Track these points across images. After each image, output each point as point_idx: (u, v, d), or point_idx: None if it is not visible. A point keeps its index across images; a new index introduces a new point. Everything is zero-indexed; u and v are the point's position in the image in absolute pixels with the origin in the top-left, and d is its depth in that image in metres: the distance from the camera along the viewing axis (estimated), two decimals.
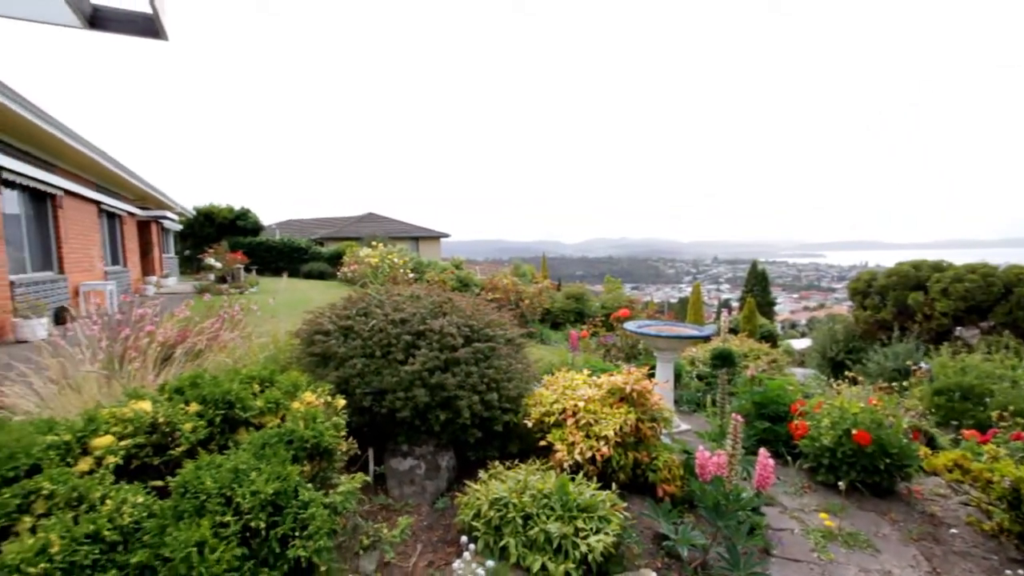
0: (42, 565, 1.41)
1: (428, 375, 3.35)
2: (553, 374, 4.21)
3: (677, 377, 6.43)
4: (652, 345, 5.38)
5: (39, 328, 6.83)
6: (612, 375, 3.76)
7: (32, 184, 7.91)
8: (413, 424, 3.40)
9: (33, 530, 1.56)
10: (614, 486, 3.03)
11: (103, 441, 1.97)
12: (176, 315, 4.62)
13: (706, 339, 7.79)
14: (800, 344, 19.84)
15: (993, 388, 6.01)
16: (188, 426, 2.16)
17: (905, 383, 6.51)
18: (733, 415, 2.89)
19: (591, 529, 2.60)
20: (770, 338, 15.05)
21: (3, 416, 2.64)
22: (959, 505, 3.81)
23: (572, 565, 2.46)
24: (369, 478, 3.21)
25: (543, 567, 2.47)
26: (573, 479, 2.95)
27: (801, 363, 14.61)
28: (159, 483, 1.96)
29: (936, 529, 3.47)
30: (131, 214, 14.04)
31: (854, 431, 3.76)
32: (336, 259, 19.98)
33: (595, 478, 3.09)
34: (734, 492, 2.74)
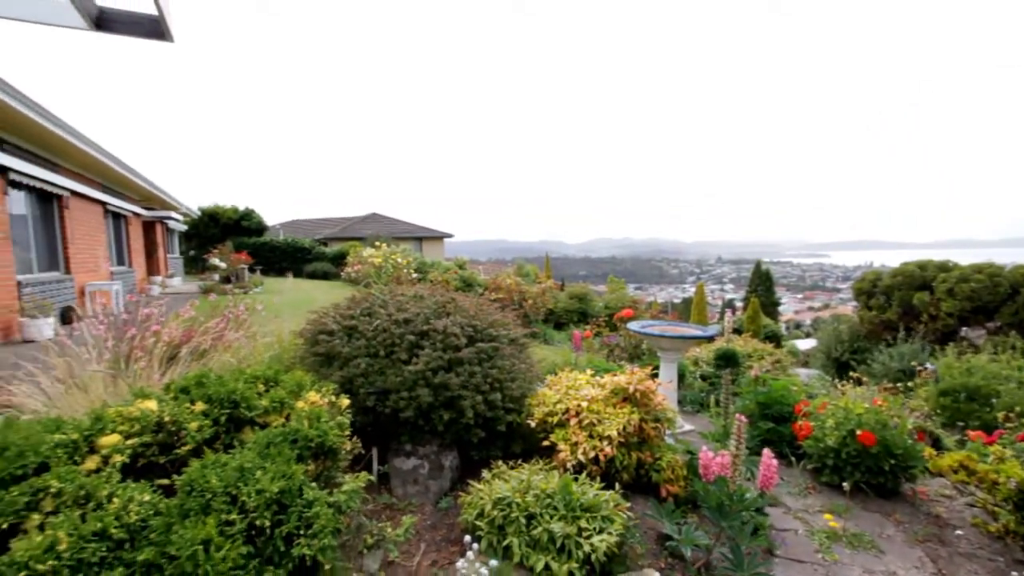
0: (50, 562, 1.42)
1: (432, 375, 3.36)
2: (556, 374, 4.21)
3: (681, 377, 6.43)
4: (656, 345, 5.38)
5: (46, 328, 6.87)
6: (615, 375, 3.76)
7: (38, 185, 7.97)
8: (417, 424, 3.41)
9: (41, 527, 1.57)
10: (617, 486, 3.03)
11: (110, 440, 1.98)
12: (181, 315, 4.64)
13: (710, 339, 7.78)
14: (805, 344, 19.77)
15: (999, 389, 5.97)
16: (194, 425, 2.17)
17: (910, 384, 6.47)
18: (737, 415, 2.89)
19: (594, 529, 2.60)
20: (774, 338, 14.99)
21: (11, 415, 2.67)
22: (965, 506, 3.79)
23: (575, 565, 2.46)
24: (373, 477, 3.22)
25: (546, 567, 2.47)
26: (576, 479, 2.96)
27: (805, 363, 14.56)
28: (165, 482, 1.98)
29: (941, 530, 3.45)
30: (136, 214, 14.13)
31: (858, 432, 3.75)
32: (340, 259, 20.05)
33: (598, 478, 3.10)
34: (738, 492, 2.74)
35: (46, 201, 8.74)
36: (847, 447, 3.83)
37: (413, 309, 3.81)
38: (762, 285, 24.09)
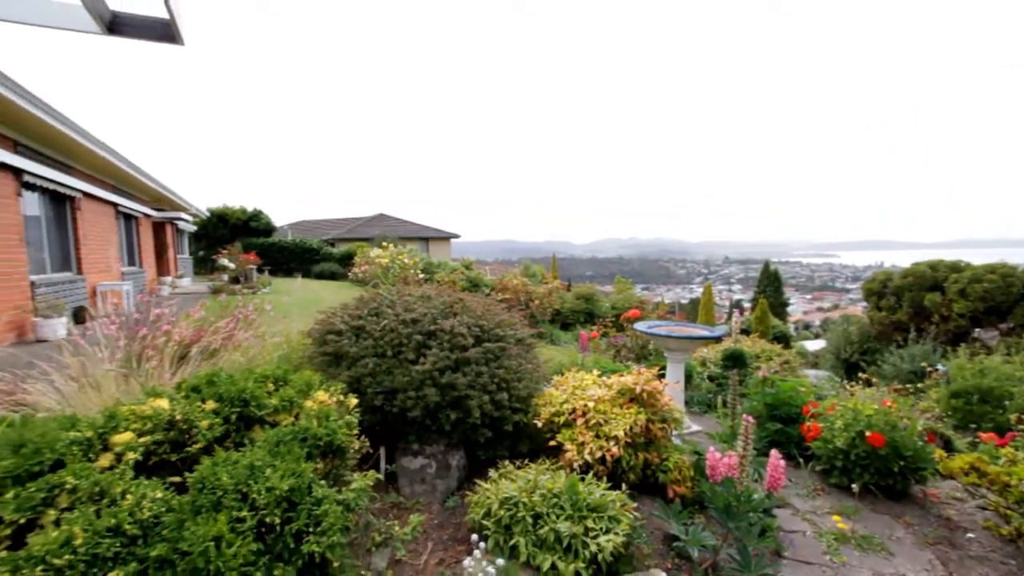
0: (66, 557, 1.45)
1: (439, 375, 3.38)
2: (563, 374, 4.22)
3: (688, 378, 6.41)
4: (663, 346, 5.37)
5: (59, 327, 6.97)
6: (622, 375, 3.76)
7: (52, 187, 8.08)
8: (424, 423, 3.43)
9: (57, 523, 1.60)
10: (624, 486, 3.03)
11: (123, 438, 2.01)
12: (191, 315, 4.70)
13: (717, 340, 7.74)
14: (814, 345, 19.63)
15: (1013, 391, 5.90)
16: (205, 423, 2.20)
17: (920, 385, 6.41)
18: (744, 416, 2.88)
19: (601, 529, 2.61)
20: (783, 339, 14.89)
21: (27, 413, 2.71)
22: (976, 509, 3.76)
23: (582, 564, 2.47)
24: (381, 476, 3.24)
25: (553, 566, 2.48)
26: (583, 479, 2.96)
27: (815, 364, 14.45)
28: (177, 479, 2.00)
29: (952, 533, 3.42)
30: (147, 215, 14.29)
31: (868, 433, 3.73)
32: (347, 260, 20.15)
33: (605, 478, 3.10)
34: (745, 493, 2.73)
35: (59, 202, 8.86)
36: (856, 448, 3.80)
37: (420, 309, 3.84)
38: (771, 285, 23.94)
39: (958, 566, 3.04)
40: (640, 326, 5.56)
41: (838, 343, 13.56)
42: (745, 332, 12.23)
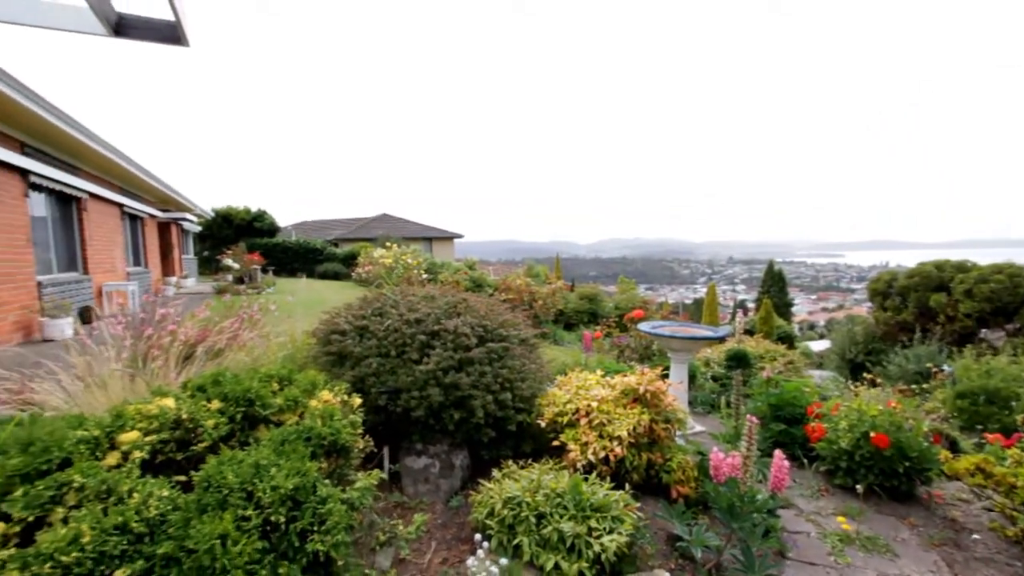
0: (74, 554, 1.46)
1: (442, 375, 3.38)
2: (566, 374, 4.22)
3: (691, 378, 6.40)
4: (666, 346, 5.36)
5: (65, 327, 7.02)
6: (626, 376, 3.76)
7: (58, 187, 8.14)
8: (427, 423, 3.44)
9: (65, 521, 1.62)
10: (627, 486, 3.03)
11: (130, 436, 2.03)
12: (197, 315, 4.72)
13: (721, 340, 7.73)
14: (818, 346, 19.55)
15: (1019, 392, 5.85)
16: (210, 423, 2.22)
17: (925, 386, 6.37)
18: (748, 416, 2.88)
19: (604, 529, 2.61)
20: (787, 339, 14.84)
21: (35, 412, 2.74)
22: (982, 510, 3.74)
23: (585, 564, 2.47)
24: (385, 476, 3.26)
25: (556, 566, 2.48)
26: (586, 479, 2.96)
27: (819, 365, 14.40)
28: (182, 478, 2.02)
29: (957, 534, 3.40)
30: (152, 216, 14.37)
31: (872, 434, 3.71)
32: (351, 260, 20.21)
33: (608, 478, 3.10)
34: (749, 494, 2.73)
35: (65, 203, 8.92)
36: (861, 449, 3.78)
37: (424, 309, 3.85)
38: (775, 285, 23.86)
39: (963, 567, 3.03)
40: (644, 326, 5.56)
41: (843, 343, 13.50)
42: (749, 332, 12.19)
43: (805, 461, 4.30)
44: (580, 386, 3.83)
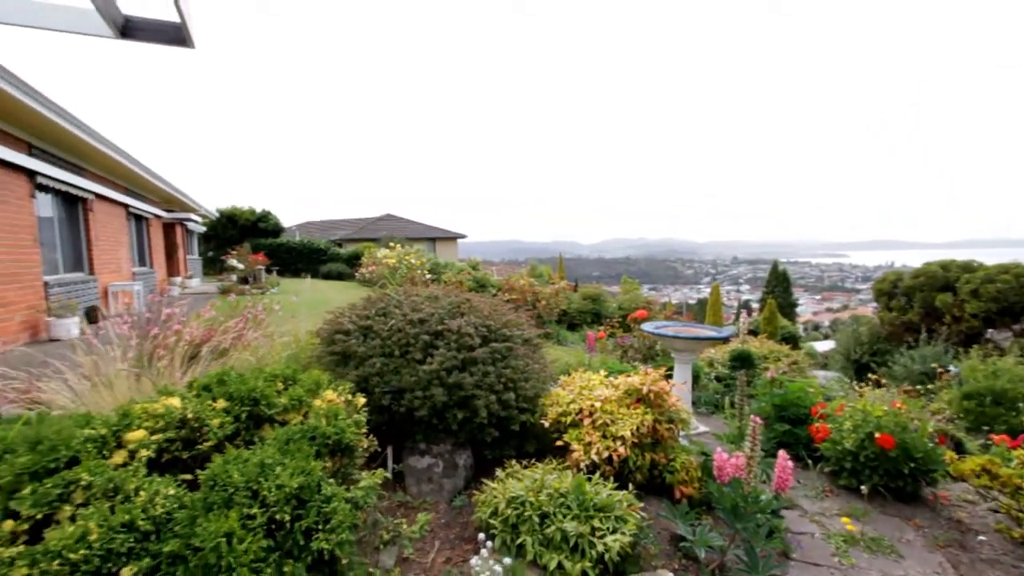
0: (82, 551, 1.48)
1: (446, 374, 3.39)
2: (570, 375, 4.22)
3: (695, 379, 6.39)
4: (670, 346, 5.35)
5: (72, 327, 7.07)
6: (629, 376, 3.75)
7: (64, 188, 8.20)
8: (431, 423, 3.45)
9: (73, 518, 1.63)
10: (631, 487, 3.03)
11: (136, 435, 2.05)
12: (202, 315, 4.75)
13: (725, 340, 7.71)
14: (823, 346, 19.47)
15: None
16: (216, 422, 2.23)
17: (930, 386, 6.34)
18: (752, 417, 2.87)
19: (608, 529, 2.61)
20: (792, 340, 14.78)
21: (42, 411, 2.76)
22: (988, 512, 3.72)
23: (588, 564, 2.47)
24: (388, 475, 3.27)
25: (559, 565, 2.48)
26: (590, 479, 2.96)
27: (824, 366, 14.33)
28: (188, 476, 2.03)
29: (963, 536, 3.38)
30: (157, 216, 14.45)
31: (877, 434, 3.70)
32: (354, 260, 20.26)
33: (612, 478, 3.10)
34: (753, 494, 2.72)
35: (72, 204, 8.98)
36: (865, 450, 3.77)
37: (428, 309, 3.86)
38: (779, 286, 23.76)
39: (969, 569, 3.01)
40: (647, 327, 5.55)
41: (848, 344, 13.45)
42: (753, 333, 12.16)
43: (809, 462, 4.29)
44: (583, 386, 3.83)
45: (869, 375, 6.28)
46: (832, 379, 9.32)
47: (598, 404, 3.49)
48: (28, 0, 3.07)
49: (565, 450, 3.39)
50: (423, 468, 3.42)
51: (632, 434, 3.27)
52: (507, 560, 2.38)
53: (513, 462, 3.32)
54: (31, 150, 7.46)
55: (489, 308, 4.13)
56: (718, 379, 7.09)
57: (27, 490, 1.68)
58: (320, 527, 1.82)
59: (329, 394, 2.71)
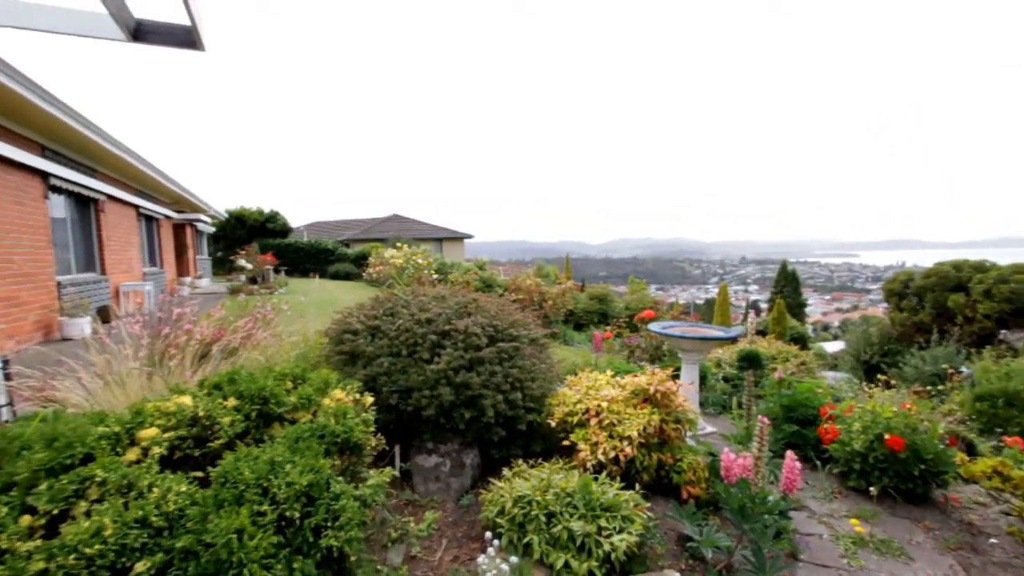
0: (97, 546, 1.50)
1: (453, 374, 3.41)
2: (576, 374, 4.22)
3: (703, 379, 6.36)
4: (677, 346, 5.34)
5: (84, 326, 7.17)
6: (636, 376, 3.75)
7: (77, 189, 8.32)
8: (438, 422, 3.47)
9: (88, 514, 1.66)
10: (637, 487, 3.03)
11: (149, 433, 2.08)
12: (212, 314, 4.80)
13: (732, 341, 7.68)
14: (833, 347, 19.29)
15: None
16: (226, 420, 2.26)
17: (941, 387, 6.27)
18: (759, 417, 2.86)
19: (614, 528, 2.61)
20: (801, 340, 14.67)
21: (58, 408, 2.80)
22: (1000, 514, 3.67)
23: (595, 563, 2.48)
24: (396, 473, 3.29)
25: (566, 564, 2.49)
26: (596, 479, 2.97)
27: (834, 366, 14.21)
28: (199, 474, 2.06)
29: (974, 538, 3.35)
30: (167, 217, 14.60)
31: (887, 436, 3.67)
32: (362, 260, 20.36)
33: (618, 478, 3.10)
34: (760, 495, 2.71)
35: (84, 205, 9.11)
36: (875, 451, 3.74)
37: (435, 309, 3.88)
38: (788, 286, 23.58)
39: (980, 572, 2.98)
40: (654, 327, 5.54)
41: (857, 345, 13.32)
42: (761, 333, 12.09)
43: (818, 463, 4.26)
44: (590, 386, 3.84)
45: (879, 376, 6.22)
46: (841, 380, 9.24)
47: (605, 404, 3.50)
48: (42, 5, 3.12)
49: (572, 450, 3.40)
50: (430, 467, 3.44)
51: (639, 434, 3.27)
52: (514, 559, 2.39)
53: (520, 461, 3.33)
54: (44, 152, 7.57)
55: (496, 308, 4.14)
56: (726, 379, 7.05)
57: (44, 486, 1.71)
58: (329, 524, 1.84)
59: (338, 393, 2.73)
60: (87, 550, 1.49)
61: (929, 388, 5.91)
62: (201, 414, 2.24)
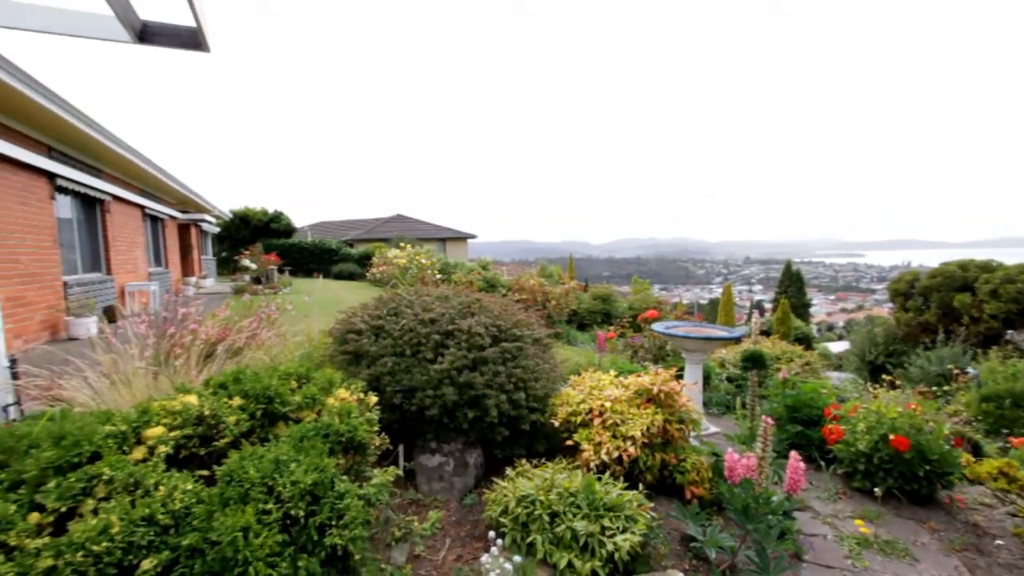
0: (105, 544, 1.52)
1: (457, 374, 3.42)
2: (580, 374, 4.22)
3: (706, 379, 6.35)
4: (680, 346, 5.33)
5: (90, 326, 7.21)
6: (639, 376, 3.75)
7: (83, 190, 8.37)
8: (442, 422, 3.48)
9: (95, 512, 1.68)
10: (641, 487, 3.03)
11: (155, 432, 2.10)
12: (217, 314, 4.82)
13: (736, 341, 7.66)
14: (837, 347, 19.21)
15: None
16: (232, 419, 2.27)
17: (946, 388, 6.24)
18: (763, 418, 2.86)
19: (617, 528, 2.61)
20: (805, 341, 14.61)
21: (65, 407, 2.83)
22: (1006, 516, 3.65)
23: (598, 563, 2.48)
24: (400, 473, 3.30)
25: (569, 564, 2.49)
26: (599, 478, 2.97)
27: (838, 367, 14.14)
28: (205, 472, 2.08)
29: (980, 540, 3.33)
30: (172, 217, 14.67)
31: (892, 436, 3.66)
32: (365, 260, 20.39)
33: (622, 478, 3.10)
34: (764, 495, 2.71)
35: (89, 205, 9.16)
36: (879, 452, 3.73)
37: (439, 309, 3.88)
38: (792, 286, 23.49)
39: (986, 573, 2.97)
40: (658, 327, 5.53)
41: (862, 345, 13.25)
42: (765, 333, 12.05)
43: (822, 463, 4.25)
44: (593, 386, 3.84)
45: (884, 376, 6.20)
46: (846, 380, 9.20)
47: (608, 404, 3.50)
48: (48, 7, 3.14)
49: (575, 450, 3.40)
50: (434, 466, 3.45)
51: (642, 434, 3.27)
52: (517, 558, 2.39)
53: (523, 461, 3.33)
54: (51, 153, 7.62)
55: (499, 308, 4.15)
56: (729, 380, 7.04)
57: (52, 484, 1.73)
58: (333, 523, 1.86)
59: (342, 392, 2.74)
60: (95, 547, 1.51)
61: (935, 389, 5.88)
62: (207, 413, 2.26)
